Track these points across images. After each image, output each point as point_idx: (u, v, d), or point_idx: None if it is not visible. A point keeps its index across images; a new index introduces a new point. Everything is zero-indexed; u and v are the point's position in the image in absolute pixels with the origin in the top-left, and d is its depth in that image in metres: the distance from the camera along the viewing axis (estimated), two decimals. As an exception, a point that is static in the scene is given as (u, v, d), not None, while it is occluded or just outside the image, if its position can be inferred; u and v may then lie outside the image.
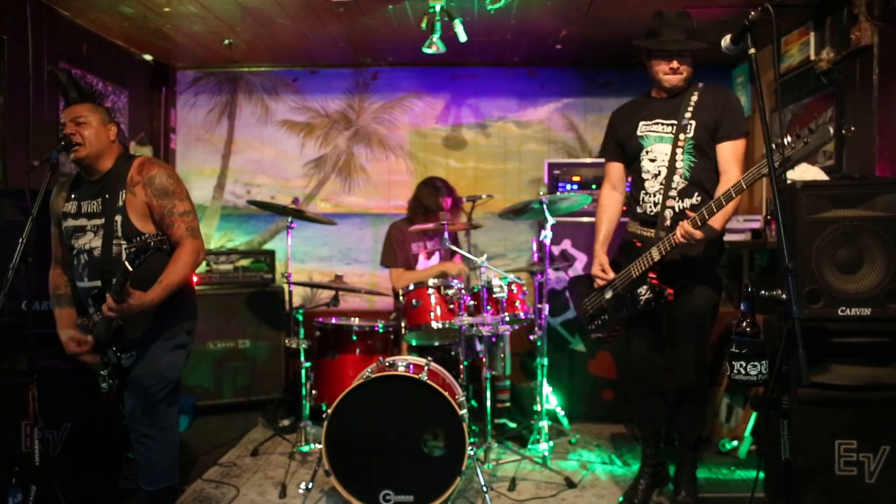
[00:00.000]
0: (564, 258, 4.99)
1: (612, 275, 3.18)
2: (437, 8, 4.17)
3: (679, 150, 3.01)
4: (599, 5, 4.28)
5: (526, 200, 4.15)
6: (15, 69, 3.99)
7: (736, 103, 3.08)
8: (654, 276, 3.02)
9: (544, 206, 4.04)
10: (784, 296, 2.01)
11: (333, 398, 3.26)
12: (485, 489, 3.31)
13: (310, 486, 3.49)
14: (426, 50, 4.35)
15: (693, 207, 3.00)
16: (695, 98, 3.06)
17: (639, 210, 3.17)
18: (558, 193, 4.94)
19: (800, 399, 2.90)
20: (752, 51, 2.15)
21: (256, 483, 3.71)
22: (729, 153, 3.01)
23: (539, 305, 4.21)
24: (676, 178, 3.02)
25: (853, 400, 2.92)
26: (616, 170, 3.32)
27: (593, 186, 5.04)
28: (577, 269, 4.98)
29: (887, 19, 3.67)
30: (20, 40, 4.02)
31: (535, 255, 4.66)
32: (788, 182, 3.12)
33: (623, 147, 3.21)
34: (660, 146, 3.07)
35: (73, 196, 2.93)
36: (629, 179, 3.34)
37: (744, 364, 2.14)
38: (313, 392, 4.15)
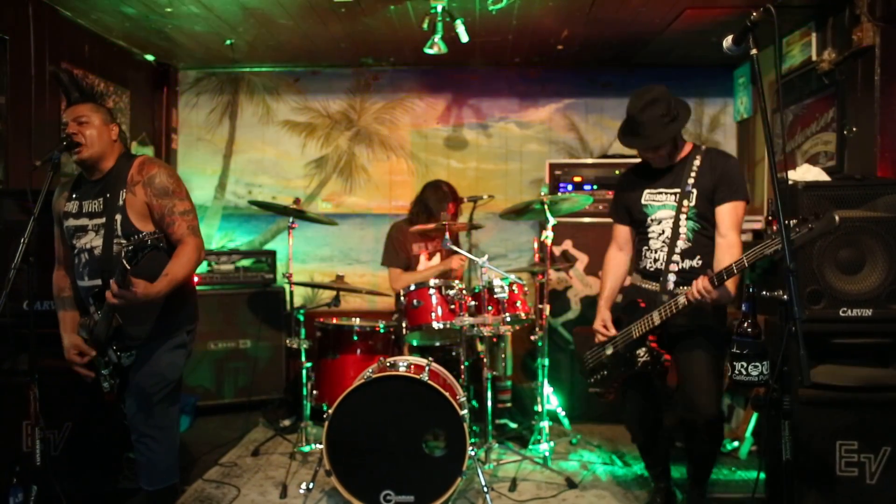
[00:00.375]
0: (566, 258, 4.99)
1: (613, 331, 3.17)
2: (439, 8, 4.17)
3: (682, 216, 3.04)
4: (601, 6, 4.28)
5: (527, 201, 4.15)
6: (17, 69, 3.99)
7: (734, 168, 3.06)
8: (653, 339, 3.01)
9: (545, 207, 4.04)
10: (785, 296, 2.01)
11: (334, 398, 3.26)
12: (485, 489, 3.31)
13: (311, 486, 3.49)
14: (428, 50, 4.35)
15: (693, 269, 3.00)
16: (696, 164, 3.06)
17: (641, 264, 3.21)
18: (559, 194, 4.94)
19: (801, 400, 2.90)
20: (753, 51, 2.15)
21: (257, 483, 3.71)
22: (727, 217, 2.97)
23: (540, 306, 4.21)
24: (680, 242, 3.04)
25: (854, 401, 2.92)
26: (623, 232, 3.35)
27: (594, 187, 5.04)
28: (579, 269, 4.98)
29: (889, 20, 3.67)
30: (22, 40, 4.02)
31: (537, 255, 4.66)
32: (790, 183, 3.12)
33: (629, 212, 3.24)
34: (663, 212, 3.09)
35: (74, 196, 2.94)
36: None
37: (745, 365, 2.14)
38: (314, 392, 4.15)
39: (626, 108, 3.05)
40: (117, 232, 2.80)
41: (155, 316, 2.85)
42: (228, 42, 5.05)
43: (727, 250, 2.93)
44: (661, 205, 3.10)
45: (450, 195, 4.61)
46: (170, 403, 2.94)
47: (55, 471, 2.85)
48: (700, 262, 3.02)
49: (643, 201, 3.15)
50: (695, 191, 3.02)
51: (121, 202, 2.83)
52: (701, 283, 2.74)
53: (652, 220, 3.12)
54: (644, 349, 3.00)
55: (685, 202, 3.03)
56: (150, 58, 5.51)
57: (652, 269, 3.11)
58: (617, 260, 3.37)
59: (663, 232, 3.09)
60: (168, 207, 2.85)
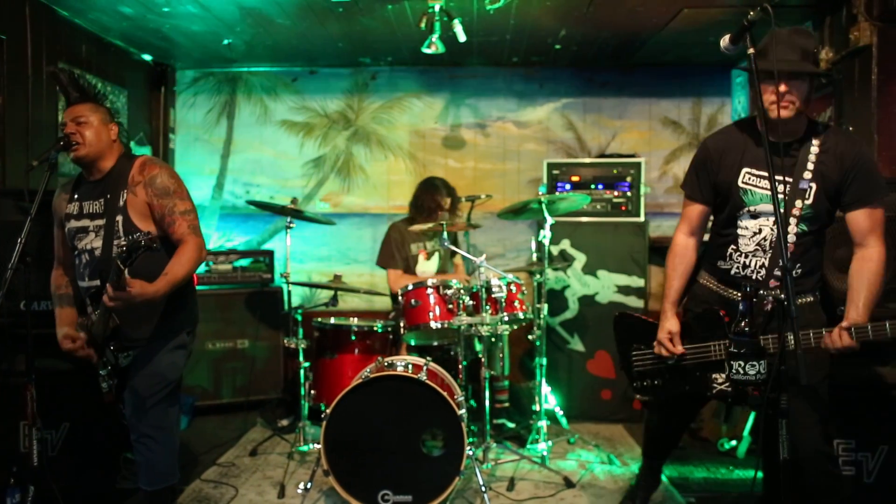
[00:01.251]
0: (563, 258, 4.99)
1: (680, 349, 2.62)
2: (437, 8, 4.17)
3: (793, 220, 2.43)
4: (598, 6, 4.28)
5: (525, 200, 4.15)
6: (14, 69, 3.98)
7: (870, 161, 2.45)
8: None
9: (543, 206, 4.05)
10: (783, 296, 2.01)
11: (332, 398, 3.26)
12: (483, 489, 3.31)
13: (308, 486, 3.49)
14: (425, 50, 4.35)
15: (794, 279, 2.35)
16: (815, 150, 2.43)
17: (721, 264, 2.60)
18: (557, 193, 4.95)
19: (798, 398, 2.89)
20: (751, 51, 2.15)
21: (255, 483, 3.71)
22: (865, 222, 2.40)
23: (538, 305, 4.21)
24: (788, 252, 2.31)
25: (852, 399, 2.92)
26: (700, 214, 2.68)
27: (592, 186, 5.04)
28: (576, 268, 4.98)
29: (886, 19, 3.67)
30: (19, 40, 4.02)
31: (535, 254, 4.66)
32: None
33: (717, 190, 2.60)
34: (766, 206, 2.47)
35: (75, 197, 2.94)
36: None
37: (742, 363, 2.14)
38: (312, 392, 4.15)
39: (780, 34, 2.42)
40: (118, 232, 2.80)
41: (156, 317, 2.85)
42: (226, 42, 5.04)
43: (871, 267, 2.37)
44: (766, 194, 2.46)
45: (442, 188, 4.63)
46: (169, 404, 2.94)
47: (53, 471, 2.84)
48: (800, 271, 2.49)
49: (741, 183, 2.49)
50: (814, 185, 2.42)
51: (122, 203, 2.83)
52: (841, 339, 2.25)
53: (747, 212, 2.50)
54: (724, 375, 2.53)
55: (798, 202, 2.43)
56: (147, 58, 5.50)
57: (738, 276, 2.54)
58: (688, 247, 2.71)
59: (760, 231, 2.50)
60: (169, 207, 2.85)
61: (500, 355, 4.34)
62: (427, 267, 4.71)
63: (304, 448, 4.03)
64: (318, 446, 3.25)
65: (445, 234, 3.92)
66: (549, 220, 4.08)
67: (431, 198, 4.62)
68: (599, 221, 5.00)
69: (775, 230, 2.42)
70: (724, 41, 2.25)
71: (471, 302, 3.83)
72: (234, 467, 3.95)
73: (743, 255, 2.54)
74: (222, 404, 5.04)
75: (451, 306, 3.84)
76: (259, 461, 4.06)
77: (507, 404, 4.64)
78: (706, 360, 2.58)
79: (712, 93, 5.67)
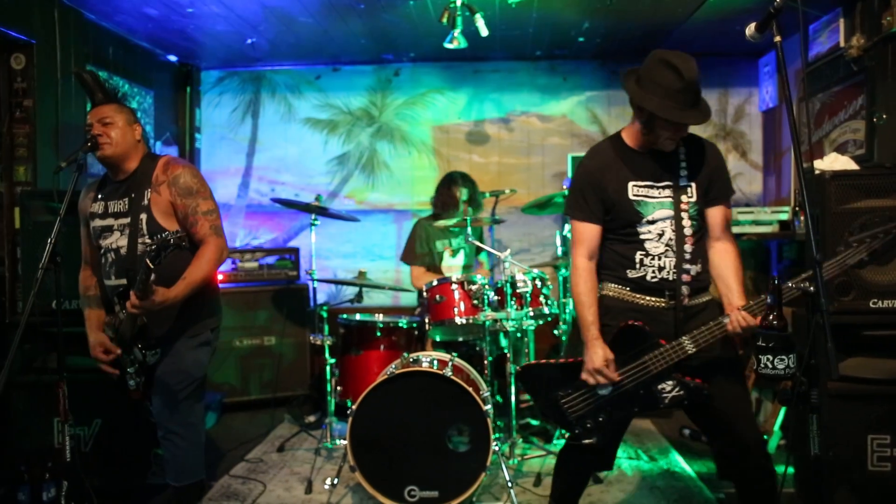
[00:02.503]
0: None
1: (616, 375, 2.47)
2: (458, 2, 4.15)
3: (684, 215, 2.51)
4: (622, -4, 4.25)
5: (549, 195, 4.13)
6: (44, 73, 4.05)
7: (722, 158, 2.66)
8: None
9: (568, 200, 4.01)
10: (812, 288, 1.97)
11: (358, 394, 3.27)
12: (510, 484, 3.30)
13: (335, 481, 3.50)
14: (447, 45, 4.33)
15: (699, 276, 2.53)
16: (682, 153, 2.55)
17: (633, 273, 2.54)
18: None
19: (830, 393, 2.85)
20: (777, 39, 2.11)
21: (283, 479, 3.74)
22: (722, 218, 2.57)
23: (564, 300, 4.18)
24: (687, 245, 2.50)
25: (886, 394, 2.86)
26: (597, 234, 2.58)
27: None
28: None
29: (919, 4, 3.58)
30: (49, 44, 4.08)
31: (560, 249, 4.63)
32: (817, 172, 3.06)
33: (609, 209, 2.55)
34: (661, 212, 2.51)
35: (100, 196, 2.98)
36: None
37: (771, 358, 2.09)
38: (338, 388, 4.16)
39: (676, 73, 2.40)
40: (142, 231, 2.84)
41: (182, 314, 2.88)
42: (249, 41, 5.08)
43: (733, 258, 2.53)
44: (656, 202, 2.52)
45: (459, 180, 4.62)
46: (195, 400, 2.97)
47: (85, 467, 2.89)
48: (701, 268, 2.55)
49: (632, 196, 2.52)
50: (693, 185, 2.53)
51: (146, 202, 2.87)
52: (744, 319, 2.34)
53: (645, 222, 2.52)
54: (671, 382, 2.46)
55: (683, 198, 2.51)
56: (172, 58, 5.55)
57: (655, 280, 2.51)
58: (592, 272, 2.58)
59: (663, 234, 2.51)
60: (192, 207, 2.88)
61: (526, 351, 4.32)
62: (453, 263, 4.70)
63: (331, 444, 4.04)
64: (345, 442, 3.26)
65: (470, 230, 3.91)
66: (574, 215, 4.05)
67: (448, 192, 4.63)
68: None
69: (674, 232, 2.50)
70: (750, 29, 2.21)
71: (496, 297, 3.82)
72: (262, 463, 3.98)
73: (655, 258, 2.51)
74: (250, 401, 5.08)
75: (476, 302, 3.83)
76: (286, 457, 4.09)
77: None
78: (648, 376, 2.45)
79: (739, 83, 5.59)
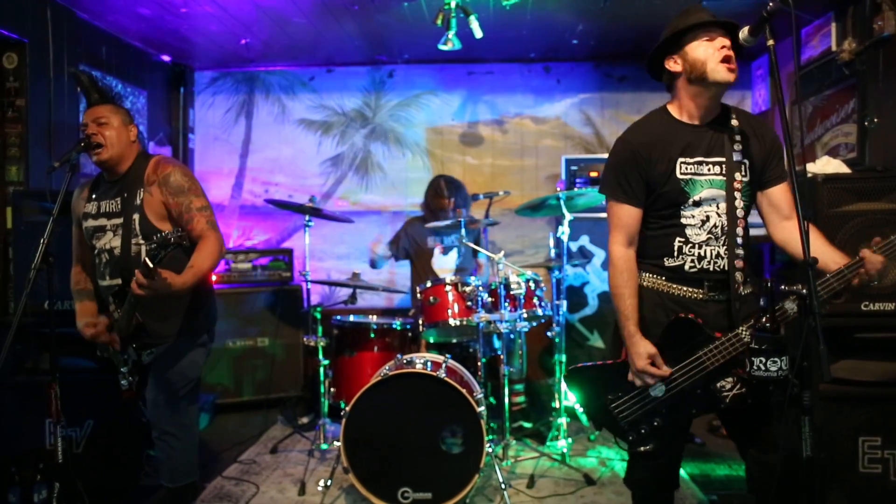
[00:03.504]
0: (582, 254, 4.97)
1: (666, 369, 2.27)
2: (453, 4, 4.16)
3: (737, 195, 2.30)
4: (615, 0, 4.26)
5: (543, 196, 4.13)
6: (36, 72, 4.03)
7: (778, 137, 2.43)
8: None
9: (561, 202, 4.03)
10: (805, 291, 1.98)
11: (352, 396, 3.27)
12: (503, 486, 3.30)
13: (329, 483, 3.50)
14: (441, 47, 4.34)
15: (745, 267, 2.34)
16: (735, 123, 2.36)
17: (669, 261, 2.35)
18: (575, 189, 4.92)
19: (822, 395, 2.86)
20: (770, 42, 2.12)
21: (276, 480, 3.73)
22: (789, 196, 2.35)
23: (557, 302, 4.19)
24: (739, 229, 2.30)
25: (877, 396, 2.89)
26: (637, 218, 2.37)
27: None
28: (596, 265, 4.95)
29: (910, 8, 3.61)
30: (41, 43, 4.06)
31: (553, 251, 4.64)
32: (809, 175, 3.08)
33: (653, 190, 2.35)
34: (710, 191, 2.31)
35: (93, 196, 2.97)
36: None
37: (763, 360, 2.10)
38: (332, 390, 4.16)
39: (693, 9, 2.35)
40: (135, 231, 2.83)
41: (178, 315, 2.87)
42: (243, 41, 5.07)
43: (817, 231, 2.28)
44: (705, 180, 2.30)
45: (444, 188, 4.64)
46: (189, 402, 2.97)
47: (78, 468, 2.88)
48: (745, 256, 2.36)
49: (679, 174, 2.30)
50: (747, 162, 2.32)
51: (138, 202, 2.86)
52: (879, 261, 2.12)
53: (691, 202, 2.31)
54: (731, 379, 2.26)
55: (737, 175, 2.30)
56: (166, 58, 5.54)
57: (694, 270, 2.32)
58: (632, 260, 2.38)
59: (707, 219, 2.31)
60: (185, 205, 2.87)
61: (520, 352, 4.33)
62: (444, 262, 4.71)
63: (325, 446, 4.04)
64: (338, 444, 3.26)
65: (464, 231, 3.92)
66: (568, 217, 4.06)
67: (432, 198, 4.71)
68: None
69: (723, 215, 2.30)
70: (743, 33, 2.22)
71: (490, 299, 3.83)
72: (255, 464, 3.97)
73: (696, 246, 2.32)
74: (243, 402, 5.07)
75: (469, 303, 3.83)
76: (280, 458, 4.08)
77: (523, 405, 4.63)
78: (704, 373, 2.27)
79: (732, 86, 5.59)
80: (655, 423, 2.35)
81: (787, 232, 2.33)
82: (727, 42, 2.28)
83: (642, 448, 2.36)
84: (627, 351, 2.32)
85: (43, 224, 2.68)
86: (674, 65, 2.34)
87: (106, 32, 4.73)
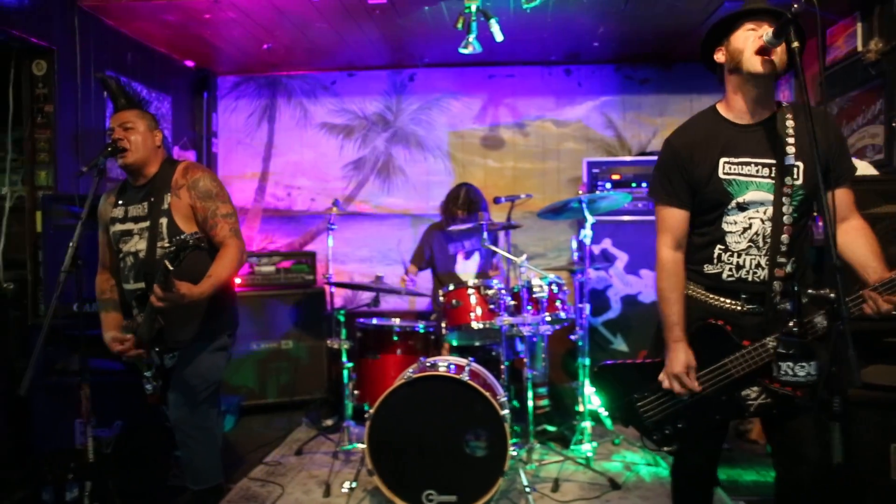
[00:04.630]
0: (605, 258, 4.95)
1: (696, 384, 2.26)
2: (473, 8, 4.17)
3: (786, 200, 2.19)
4: (636, 1, 4.24)
5: (565, 199, 4.12)
6: (64, 78, 4.10)
7: (842, 133, 2.34)
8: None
9: (583, 205, 4.02)
10: (833, 295, 1.96)
11: (376, 398, 3.28)
12: (528, 490, 3.30)
13: (353, 485, 3.52)
14: (462, 50, 4.35)
15: (790, 276, 2.23)
16: (790, 124, 2.23)
17: (709, 268, 2.30)
18: (597, 192, 4.91)
19: (851, 401, 2.83)
20: (795, 44, 2.09)
21: (301, 482, 3.75)
22: (848, 199, 2.25)
23: (580, 305, 4.18)
24: (785, 236, 2.20)
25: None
26: (683, 221, 2.32)
27: (633, 185, 4.99)
28: (618, 268, 4.94)
29: (939, 8, 3.56)
30: (69, 51, 4.13)
31: (576, 254, 4.63)
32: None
33: (696, 192, 2.29)
34: (756, 194, 2.21)
35: (120, 202, 3.01)
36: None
37: (791, 365, 2.08)
38: (355, 392, 4.18)
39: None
40: (162, 235, 2.87)
41: (199, 318, 2.91)
42: (266, 46, 5.11)
43: (867, 233, 2.20)
44: (751, 182, 2.21)
45: (461, 199, 4.67)
46: (210, 405, 3.00)
47: (107, 468, 2.91)
48: (795, 266, 2.25)
49: (722, 174, 2.22)
50: (801, 164, 2.19)
51: (165, 206, 2.90)
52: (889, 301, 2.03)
53: (736, 205, 2.23)
54: (757, 388, 2.23)
55: (787, 179, 2.18)
56: (190, 64, 5.60)
57: (731, 280, 2.26)
58: (679, 264, 2.33)
59: (749, 226, 2.23)
60: (211, 210, 2.91)
61: (543, 356, 4.32)
62: (466, 267, 4.72)
63: (349, 447, 4.06)
64: (363, 446, 3.27)
65: (485, 234, 3.92)
66: (590, 220, 4.05)
67: (449, 207, 4.78)
68: (641, 220, 4.94)
69: (768, 223, 2.21)
70: (767, 34, 2.18)
71: (512, 302, 3.82)
72: (281, 466, 4.00)
73: (735, 254, 2.25)
74: (267, 404, 5.11)
75: (492, 306, 3.83)
76: (304, 460, 4.10)
77: (547, 409, 4.61)
78: (729, 381, 2.24)
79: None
80: (679, 426, 2.35)
81: (840, 233, 2.21)
82: (766, 30, 2.14)
83: (666, 448, 2.38)
84: (667, 355, 2.29)
85: (71, 228, 2.73)
86: (720, 56, 2.27)
87: (132, 39, 4.80)
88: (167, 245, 2.79)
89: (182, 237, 2.54)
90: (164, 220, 2.89)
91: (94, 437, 2.78)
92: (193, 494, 3.02)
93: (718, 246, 2.27)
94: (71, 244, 2.63)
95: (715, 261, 2.28)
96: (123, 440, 3.45)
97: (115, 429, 3.41)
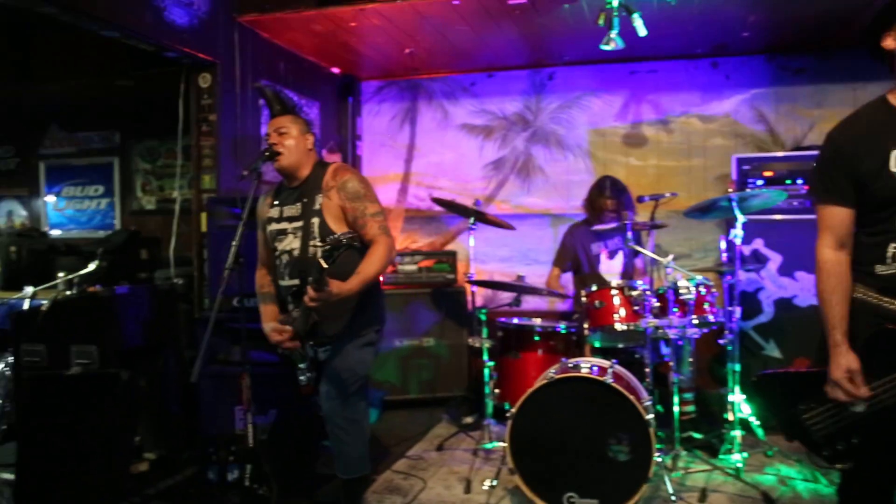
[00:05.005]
0: (756, 259, 4.69)
1: (864, 390, 2.06)
2: (615, 3, 4.06)
3: None
4: (794, -15, 3.99)
5: (713, 198, 3.94)
6: (225, 89, 4.41)
7: None
8: None
9: (733, 204, 3.82)
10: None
11: (516, 397, 3.29)
12: (673, 498, 3.19)
13: (494, 483, 3.53)
14: (604, 47, 4.25)
15: None
16: None
17: (881, 269, 2.12)
18: (748, 190, 4.65)
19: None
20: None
21: (442, 477, 3.82)
22: None
23: (730, 308, 3.98)
24: None
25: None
26: (847, 219, 2.17)
27: (787, 182, 4.69)
28: (771, 269, 4.66)
29: None
30: (230, 63, 4.44)
31: (724, 255, 4.42)
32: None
33: (863, 187, 2.13)
34: None
35: (276, 202, 3.19)
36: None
37: None
38: (496, 391, 4.20)
39: None
40: (314, 234, 3.01)
41: (350, 313, 3.03)
42: (408, 51, 5.24)
43: None
44: None
45: (607, 189, 4.54)
46: (359, 398, 3.12)
47: (264, 453, 3.09)
48: None
49: (894, 168, 2.04)
50: None
51: (317, 206, 3.04)
52: None
53: None
54: None
55: None
56: (335, 71, 5.85)
57: None
58: (842, 264, 2.17)
59: None
60: (360, 210, 3.02)
61: (690, 360, 4.16)
62: (611, 267, 4.63)
63: (489, 445, 4.08)
64: (503, 444, 3.28)
65: (629, 234, 3.83)
66: (741, 219, 3.84)
67: (595, 199, 4.64)
68: (797, 219, 4.63)
69: None
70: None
71: (657, 304, 3.71)
72: (422, 461, 4.09)
73: None
74: (409, 399, 5.23)
75: (637, 308, 3.73)
76: (445, 456, 4.17)
77: (693, 415, 4.42)
78: None
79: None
80: (854, 441, 2.13)
81: None
82: None
83: (839, 466, 2.19)
84: (829, 360, 2.12)
85: (233, 228, 2.90)
86: (890, 42, 2.09)
87: (283, 49, 5.08)
88: (319, 244, 2.92)
89: (336, 236, 2.65)
90: (315, 220, 3.03)
91: (253, 423, 2.96)
92: (343, 483, 3.15)
93: (892, 245, 2.08)
94: (233, 243, 2.78)
95: (889, 260, 2.09)
96: (277, 428, 3.65)
97: (271, 416, 3.62)
